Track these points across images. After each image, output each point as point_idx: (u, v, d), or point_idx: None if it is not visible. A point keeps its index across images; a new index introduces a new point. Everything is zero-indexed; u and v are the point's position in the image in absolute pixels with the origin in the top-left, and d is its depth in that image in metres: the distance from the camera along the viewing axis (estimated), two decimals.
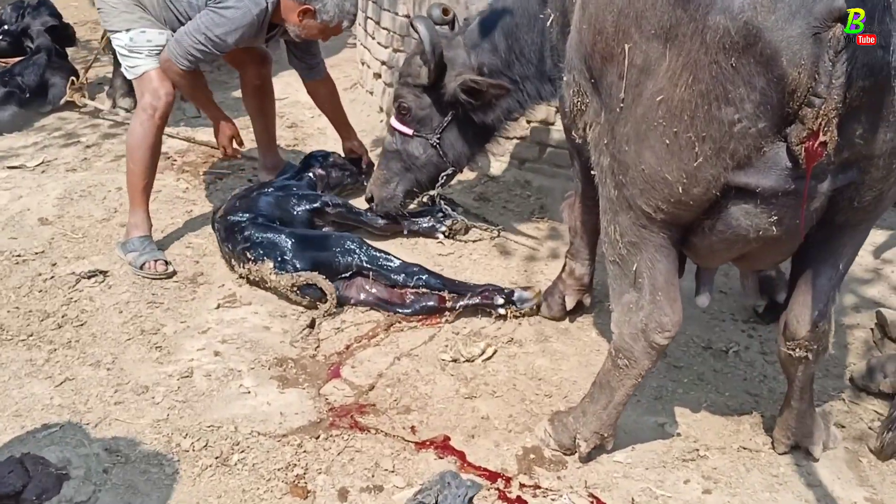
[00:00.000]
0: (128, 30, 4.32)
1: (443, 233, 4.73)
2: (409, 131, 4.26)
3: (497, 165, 5.47)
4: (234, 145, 4.76)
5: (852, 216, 2.49)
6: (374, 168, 4.58)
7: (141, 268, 4.23)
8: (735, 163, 2.23)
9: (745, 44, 2.04)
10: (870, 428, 3.28)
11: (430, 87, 4.06)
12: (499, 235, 4.75)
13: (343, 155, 5.29)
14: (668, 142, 2.27)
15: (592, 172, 2.75)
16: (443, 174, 4.38)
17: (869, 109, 2.14)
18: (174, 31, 4.32)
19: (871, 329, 3.84)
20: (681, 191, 2.33)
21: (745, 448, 3.17)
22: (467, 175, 5.44)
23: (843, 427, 3.29)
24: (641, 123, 2.33)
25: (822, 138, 2.08)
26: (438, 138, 4.21)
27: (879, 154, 2.26)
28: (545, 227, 4.89)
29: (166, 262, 4.28)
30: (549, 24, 3.43)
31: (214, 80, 7.13)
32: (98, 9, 4.47)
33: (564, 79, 2.85)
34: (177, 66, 4.22)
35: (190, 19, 4.27)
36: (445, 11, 4.19)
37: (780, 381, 3.56)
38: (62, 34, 7.63)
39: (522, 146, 5.35)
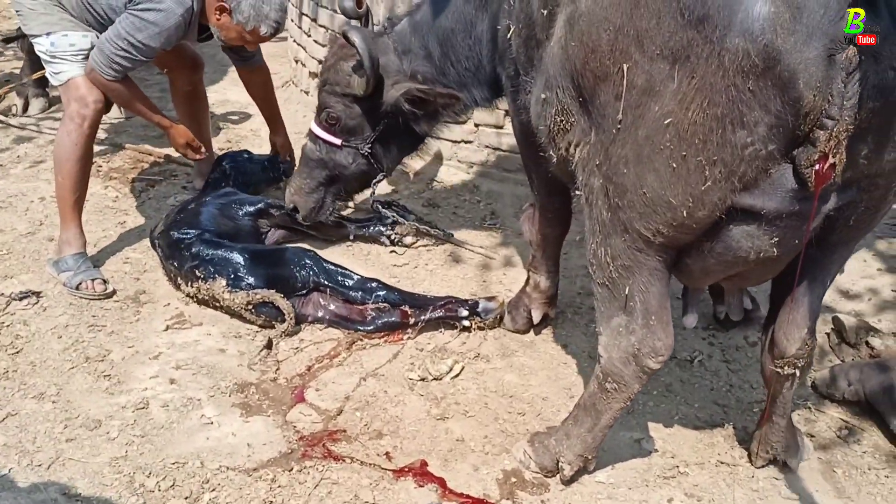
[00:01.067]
0: (48, 34, 4.00)
1: (388, 237, 4.60)
2: (337, 141, 4.02)
3: (445, 170, 5.36)
4: (193, 151, 4.44)
5: (846, 234, 2.51)
6: (295, 175, 4.32)
7: (77, 288, 3.96)
8: (742, 185, 2.19)
9: (765, 66, 2.00)
10: (838, 437, 3.34)
11: (363, 97, 3.83)
12: (448, 241, 4.65)
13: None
14: (675, 165, 2.21)
15: (577, 193, 2.67)
16: (374, 183, 4.21)
17: (877, 130, 2.13)
18: (101, 32, 4.03)
19: (827, 334, 3.90)
20: (685, 214, 2.28)
21: (722, 462, 3.18)
22: (416, 182, 5.33)
23: (813, 437, 3.33)
24: (644, 146, 2.27)
25: (831, 160, 2.07)
26: (370, 148, 4.01)
27: (881, 173, 2.27)
28: (498, 233, 4.81)
29: (104, 281, 4.02)
30: (508, 35, 3.29)
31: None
32: (16, 11, 4.13)
33: (543, 96, 2.73)
34: (102, 77, 3.93)
35: (111, 22, 3.97)
36: (359, 3, 3.94)
37: (745, 391, 3.60)
38: None
39: (471, 150, 5.27)
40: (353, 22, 3.97)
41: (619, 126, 2.33)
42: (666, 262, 2.54)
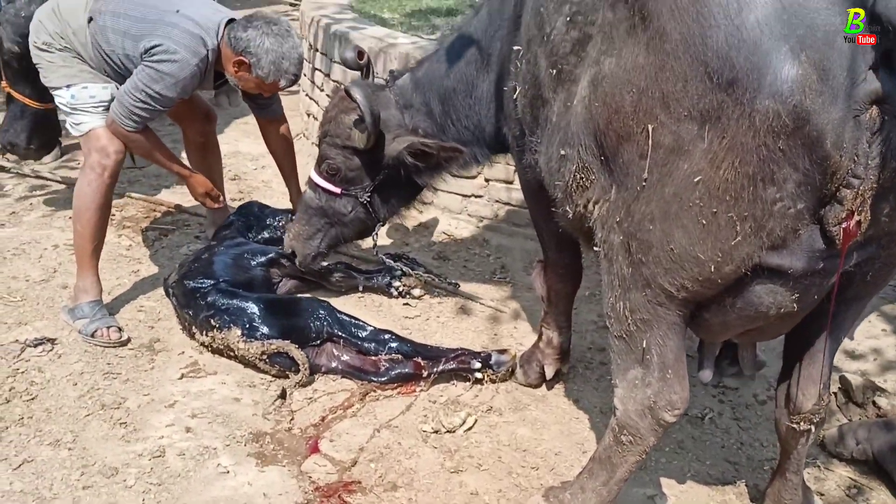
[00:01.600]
0: (68, 86, 4.10)
1: (396, 288, 4.65)
2: (337, 190, 4.09)
3: (455, 224, 5.45)
4: (212, 200, 4.51)
5: (863, 289, 2.56)
6: (294, 221, 4.35)
7: (92, 335, 3.99)
8: (770, 242, 2.25)
9: (795, 126, 2.07)
10: (847, 495, 3.36)
11: (363, 150, 3.89)
12: (456, 294, 4.70)
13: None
14: (704, 221, 2.26)
15: (595, 249, 2.72)
16: (374, 234, 4.30)
17: None
18: (120, 83, 4.12)
19: (834, 394, 3.94)
20: (712, 269, 2.33)
21: None
22: (426, 235, 5.41)
23: (822, 495, 3.35)
24: (672, 203, 2.32)
25: (857, 218, 2.14)
26: (369, 197, 4.08)
27: None
28: (508, 287, 4.87)
29: (119, 329, 4.05)
30: (515, 96, 3.37)
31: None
32: (35, 64, 4.23)
33: (562, 152, 2.79)
34: (123, 129, 4.00)
35: (129, 72, 4.05)
36: (360, 55, 4.02)
37: (756, 448, 3.62)
38: None
39: (480, 204, 5.36)
40: (356, 75, 4.07)
41: (643, 184, 2.38)
42: (684, 317, 2.58)
